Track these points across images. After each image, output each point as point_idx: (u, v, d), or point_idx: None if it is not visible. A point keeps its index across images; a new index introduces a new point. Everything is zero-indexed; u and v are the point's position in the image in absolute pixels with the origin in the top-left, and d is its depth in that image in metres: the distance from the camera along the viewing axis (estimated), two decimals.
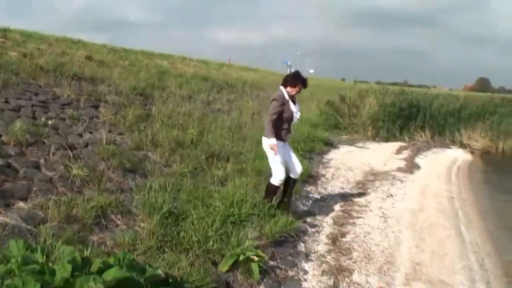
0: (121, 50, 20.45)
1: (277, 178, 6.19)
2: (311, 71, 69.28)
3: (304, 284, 4.86)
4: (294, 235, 5.91)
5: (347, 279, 5.04)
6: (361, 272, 5.25)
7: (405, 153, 14.52)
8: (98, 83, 10.58)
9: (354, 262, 5.52)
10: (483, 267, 5.90)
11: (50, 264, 3.06)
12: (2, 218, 4.23)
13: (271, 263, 5.09)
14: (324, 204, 7.77)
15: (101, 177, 5.77)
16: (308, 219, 6.82)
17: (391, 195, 8.81)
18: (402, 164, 12.35)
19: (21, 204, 4.62)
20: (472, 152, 16.93)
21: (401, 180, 10.28)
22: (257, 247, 4.99)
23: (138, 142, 7.45)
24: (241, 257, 4.63)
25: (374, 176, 10.40)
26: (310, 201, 7.76)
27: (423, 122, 18.79)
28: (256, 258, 4.66)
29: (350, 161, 11.95)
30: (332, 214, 7.26)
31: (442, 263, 5.77)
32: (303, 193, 7.95)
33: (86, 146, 6.72)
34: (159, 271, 3.37)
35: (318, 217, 7.05)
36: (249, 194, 6.20)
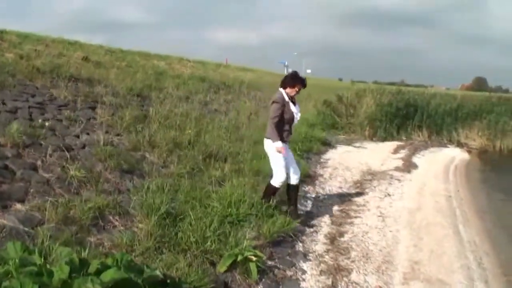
0: (118, 51, 20.44)
1: (278, 179, 6.18)
2: (308, 71, 69.40)
3: (303, 284, 4.85)
4: (292, 235, 5.91)
5: (345, 279, 5.04)
6: (359, 272, 5.25)
7: (403, 153, 14.53)
8: (95, 84, 10.57)
9: (352, 261, 5.52)
10: (481, 266, 5.89)
11: (47, 266, 3.05)
12: (0, 220, 4.22)
13: (269, 263, 5.09)
14: (322, 203, 7.78)
15: (98, 178, 5.76)
16: (306, 219, 6.81)
17: (389, 195, 8.82)
18: (400, 163, 12.35)
19: (18, 206, 4.61)
20: (469, 151, 16.94)
21: (398, 180, 10.28)
22: (255, 247, 4.99)
23: (135, 143, 7.44)
24: (239, 257, 4.62)
25: (371, 176, 10.40)
26: (308, 201, 7.77)
27: (420, 122, 18.80)
28: (254, 258, 4.65)
29: (347, 160, 11.96)
30: (330, 214, 7.26)
31: (440, 262, 5.77)
32: (301, 193, 7.94)
33: (83, 147, 6.71)
34: (157, 272, 3.37)
35: (316, 216, 7.05)
36: (246, 194, 6.19)
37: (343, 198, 8.28)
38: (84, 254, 3.73)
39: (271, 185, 6.27)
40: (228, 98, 16.07)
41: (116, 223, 4.95)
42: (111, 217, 5.01)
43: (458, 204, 8.76)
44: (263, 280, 4.68)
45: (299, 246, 5.79)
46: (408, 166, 12.09)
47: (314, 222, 6.78)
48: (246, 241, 4.97)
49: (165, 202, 5.29)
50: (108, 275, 2.93)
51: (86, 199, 5.06)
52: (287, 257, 5.37)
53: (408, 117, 18.89)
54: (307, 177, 9.11)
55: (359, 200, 8.24)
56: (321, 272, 5.14)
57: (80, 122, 7.56)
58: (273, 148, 6.05)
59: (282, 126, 6.07)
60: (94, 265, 3.11)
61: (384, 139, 17.33)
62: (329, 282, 4.93)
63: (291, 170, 6.31)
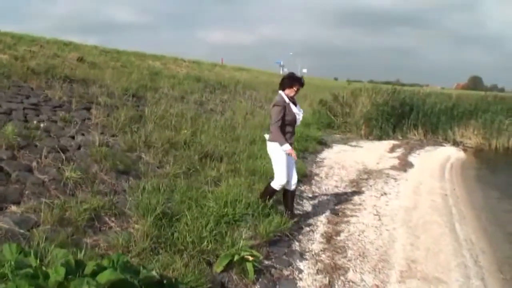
0: (113, 51, 20.41)
1: (278, 182, 6.15)
2: (304, 70, 69.53)
3: (299, 283, 4.85)
4: (288, 234, 5.90)
5: (342, 278, 5.05)
6: (356, 271, 5.25)
7: (399, 152, 14.57)
8: (90, 85, 10.54)
9: (349, 260, 5.52)
10: (478, 264, 5.91)
11: (43, 268, 3.03)
12: None
13: (266, 262, 5.08)
14: (318, 203, 7.78)
15: (94, 179, 5.75)
16: (303, 218, 6.82)
17: (385, 193, 8.83)
18: (396, 162, 12.39)
19: (13, 208, 4.59)
20: (465, 150, 17.00)
21: (394, 178, 10.30)
22: (251, 247, 4.98)
23: (131, 143, 7.42)
24: (236, 257, 4.62)
25: (367, 175, 10.42)
26: (304, 200, 7.76)
27: (416, 121, 18.88)
28: (251, 258, 4.65)
29: (343, 160, 11.98)
30: (326, 213, 7.27)
31: (436, 260, 5.78)
32: (297, 193, 7.92)
33: (79, 148, 6.68)
34: (154, 273, 3.35)
35: (312, 216, 7.05)
36: (243, 194, 6.19)
37: (339, 197, 8.29)
38: (80, 256, 3.71)
39: (271, 187, 6.25)
40: (224, 98, 16.05)
41: (112, 224, 4.94)
42: (107, 218, 5.00)
43: (454, 203, 8.78)
44: (260, 279, 4.68)
45: (296, 246, 5.79)
46: (404, 165, 12.12)
47: (311, 221, 6.78)
48: (242, 241, 4.97)
49: (161, 202, 5.29)
50: (104, 276, 2.92)
51: (82, 200, 5.05)
52: (284, 257, 5.37)
53: (404, 116, 18.97)
54: (304, 177, 9.10)
55: (355, 199, 8.25)
56: (318, 271, 5.14)
57: (75, 123, 7.53)
58: (275, 151, 6.02)
59: (285, 128, 6.02)
60: (90, 267, 3.09)
61: (380, 138, 17.37)
62: (326, 281, 4.93)
63: (289, 177, 6.30)
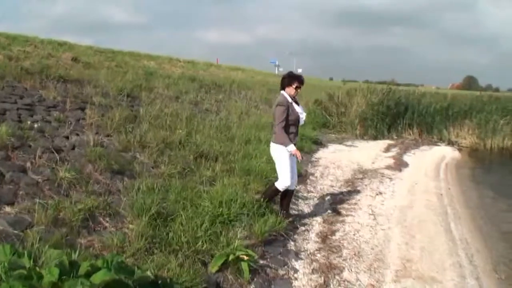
0: (108, 51, 20.33)
1: (283, 183, 6.13)
2: (299, 70, 69.44)
3: (295, 282, 4.85)
4: (284, 234, 5.90)
5: (337, 277, 5.04)
6: (351, 270, 5.25)
7: (394, 151, 14.58)
8: (84, 85, 10.50)
9: (344, 259, 5.52)
10: (473, 263, 5.91)
11: (37, 269, 3.01)
12: None
13: (261, 262, 5.08)
14: (313, 202, 7.78)
15: (88, 180, 5.73)
16: (298, 218, 6.82)
17: (380, 193, 8.84)
18: (391, 162, 12.39)
19: (7, 208, 4.58)
20: (460, 150, 17.02)
21: (390, 178, 10.31)
22: (247, 247, 4.99)
23: (125, 143, 7.39)
24: (231, 257, 4.62)
25: (363, 174, 10.42)
26: (300, 200, 7.76)
27: (411, 120, 18.90)
28: (246, 258, 4.65)
29: (339, 159, 11.98)
30: (321, 213, 7.27)
31: (431, 260, 5.78)
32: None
33: (73, 148, 6.65)
34: (148, 273, 3.35)
35: (307, 215, 7.06)
36: (238, 193, 6.18)
37: (335, 196, 8.29)
38: (74, 256, 3.68)
39: (275, 188, 6.22)
40: (219, 97, 16.02)
41: (107, 225, 4.92)
42: (101, 219, 4.98)
43: (449, 202, 8.80)
44: (255, 279, 4.67)
45: (291, 245, 5.79)
46: (399, 164, 12.13)
47: (306, 221, 6.79)
48: (237, 240, 4.97)
49: (156, 202, 5.28)
50: (98, 277, 2.91)
51: (76, 201, 5.03)
52: (279, 256, 5.37)
53: (399, 116, 18.99)
54: (299, 176, 9.02)
55: (350, 198, 8.25)
56: (313, 271, 5.14)
57: (69, 123, 7.50)
58: (279, 153, 6.00)
59: (288, 129, 6.00)
60: (84, 267, 3.07)
61: (375, 138, 17.40)
62: (321, 280, 4.92)
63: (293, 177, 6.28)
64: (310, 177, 9.60)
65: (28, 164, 5.61)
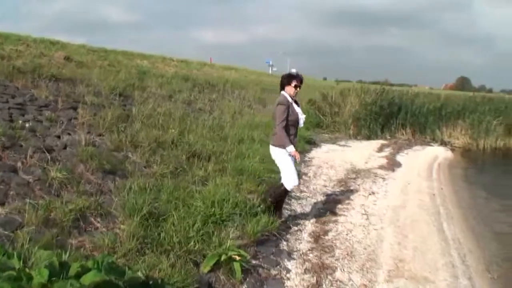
0: (101, 50, 20.25)
1: (291, 183, 6.11)
2: (293, 70, 69.48)
3: (287, 282, 4.84)
4: (276, 233, 5.89)
5: (329, 277, 5.04)
6: (343, 270, 5.25)
7: (387, 151, 14.60)
8: (77, 84, 10.44)
9: (337, 259, 5.52)
10: (465, 263, 5.93)
11: (27, 270, 2.98)
12: None
13: (254, 262, 5.06)
14: (306, 202, 7.76)
15: (80, 179, 5.68)
16: (291, 218, 6.81)
17: (373, 193, 8.85)
18: (384, 162, 12.41)
19: None
20: (452, 150, 17.09)
21: (383, 178, 10.32)
22: (239, 247, 4.98)
23: (117, 143, 7.34)
24: (223, 257, 4.60)
25: (356, 174, 10.43)
26: (292, 200, 7.74)
27: (404, 120, 18.96)
28: (238, 258, 4.63)
29: (332, 159, 11.97)
30: (314, 212, 7.27)
31: (424, 260, 5.79)
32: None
33: (65, 148, 6.61)
34: (139, 274, 3.32)
35: (300, 215, 7.04)
36: (230, 193, 6.16)
37: (328, 196, 8.29)
38: (65, 257, 3.65)
39: (284, 188, 6.19)
40: (212, 97, 15.98)
41: (98, 225, 4.89)
42: (92, 219, 4.95)
43: (442, 202, 8.82)
44: (248, 279, 4.66)
45: (284, 245, 5.78)
46: (392, 164, 12.15)
47: (299, 220, 6.77)
48: (229, 240, 4.96)
49: (148, 202, 5.25)
50: (88, 278, 2.88)
51: (67, 201, 4.99)
52: (272, 256, 5.36)
53: (392, 116, 19.03)
54: None
55: (343, 198, 8.24)
56: (306, 271, 5.13)
57: (61, 122, 7.45)
58: (281, 155, 5.96)
59: (288, 130, 5.94)
60: (74, 268, 3.04)
61: (368, 138, 17.44)
62: (314, 280, 4.92)
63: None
64: (303, 176, 9.58)
65: (19, 164, 5.57)
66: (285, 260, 5.33)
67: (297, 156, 5.91)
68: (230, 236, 5.13)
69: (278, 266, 5.13)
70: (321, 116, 19.00)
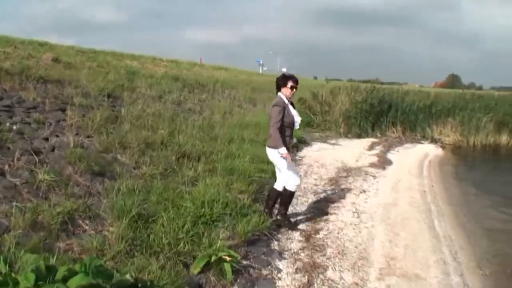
0: (90, 51, 20.16)
1: (293, 183, 6.12)
2: (284, 69, 69.68)
3: (278, 282, 4.81)
4: (267, 233, 5.86)
5: (321, 276, 5.01)
6: (335, 269, 5.23)
7: (377, 149, 14.61)
8: (65, 85, 10.37)
9: (328, 258, 5.50)
10: (457, 260, 5.92)
11: (13, 274, 2.95)
12: None
13: (245, 262, 5.03)
14: (297, 201, 7.72)
15: (68, 182, 5.63)
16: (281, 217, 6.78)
17: (364, 191, 8.84)
18: (375, 160, 12.41)
19: None
20: (443, 147, 17.12)
21: (373, 176, 10.32)
22: (229, 247, 4.95)
23: (106, 144, 7.29)
24: (213, 258, 4.57)
25: (346, 173, 10.42)
26: None
27: (395, 118, 18.97)
28: (228, 258, 4.60)
29: (322, 158, 11.96)
30: (305, 211, 7.25)
31: (415, 257, 5.78)
32: (271, 189, 7.91)
33: (53, 150, 6.54)
34: (127, 276, 3.29)
35: (291, 214, 7.00)
36: (220, 193, 6.14)
37: (318, 195, 8.27)
38: (52, 261, 3.62)
39: (289, 192, 6.20)
40: (202, 97, 15.95)
41: (86, 227, 4.85)
42: (81, 221, 4.90)
43: (433, 199, 8.82)
44: (238, 280, 4.63)
45: (275, 245, 5.75)
46: (383, 162, 12.15)
47: (290, 220, 6.74)
48: (220, 241, 4.93)
49: (137, 204, 5.21)
50: (75, 282, 2.85)
51: (55, 204, 4.95)
52: (263, 256, 5.33)
53: (383, 114, 19.03)
54: None
55: (334, 197, 8.24)
56: (297, 270, 5.10)
57: (49, 124, 7.38)
58: (278, 156, 5.93)
59: (284, 131, 5.92)
60: (61, 272, 3.02)
61: (359, 136, 17.46)
62: (305, 280, 4.89)
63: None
64: None
65: (6, 167, 5.51)
66: (276, 259, 5.31)
67: (289, 158, 5.87)
68: (220, 237, 5.10)
69: (269, 266, 5.10)
70: (311, 115, 19.01)
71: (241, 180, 7.29)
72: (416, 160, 13.27)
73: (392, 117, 18.94)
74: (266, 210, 6.32)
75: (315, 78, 75.09)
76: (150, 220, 5.15)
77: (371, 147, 14.93)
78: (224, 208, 5.83)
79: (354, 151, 13.77)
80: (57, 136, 7.11)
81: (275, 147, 5.85)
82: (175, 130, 9.23)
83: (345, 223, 6.85)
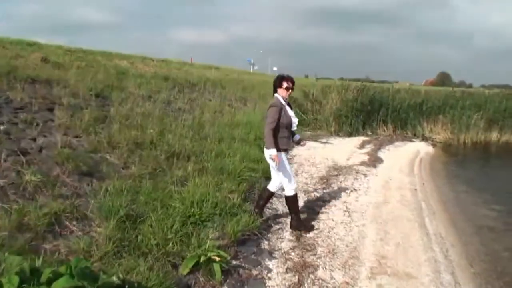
0: (79, 51, 19.98)
1: (291, 187, 6.09)
2: (275, 68, 69.84)
3: (268, 282, 4.77)
4: (257, 233, 5.84)
5: (311, 276, 4.98)
6: (325, 268, 5.20)
7: (368, 148, 14.64)
8: (53, 85, 10.26)
9: (319, 257, 5.47)
10: (448, 258, 5.92)
11: None
12: None
13: (234, 262, 5.00)
14: None
15: (55, 182, 5.55)
16: (272, 216, 6.75)
17: (355, 189, 8.83)
18: (365, 158, 12.42)
19: None
20: (434, 145, 17.19)
21: (364, 174, 10.32)
22: (219, 247, 4.91)
23: (95, 144, 7.21)
24: (202, 258, 4.53)
25: (337, 171, 10.41)
26: (274, 199, 7.65)
27: (385, 117, 19.04)
28: (217, 259, 4.56)
29: (313, 157, 11.95)
30: None
31: (406, 256, 5.77)
32: (263, 189, 7.88)
33: (40, 150, 6.46)
34: (114, 278, 3.24)
35: (282, 214, 6.98)
36: (210, 193, 6.09)
37: (309, 194, 8.25)
38: (38, 263, 3.56)
39: (289, 197, 6.17)
40: (193, 96, 15.87)
41: (74, 228, 4.78)
42: (68, 223, 4.83)
43: (424, 197, 8.83)
44: (228, 280, 4.60)
45: (265, 244, 5.72)
46: (374, 160, 12.17)
47: (280, 219, 6.72)
48: (209, 241, 4.89)
49: (125, 204, 5.16)
50: (59, 284, 2.81)
51: (42, 205, 4.88)
52: (253, 256, 5.30)
53: (373, 112, 19.08)
54: None
55: (325, 195, 8.22)
56: (287, 270, 5.07)
57: (37, 124, 7.29)
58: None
59: (281, 133, 5.88)
60: (46, 274, 2.97)
61: (350, 135, 17.50)
62: (295, 279, 4.86)
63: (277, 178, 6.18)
64: None
65: None
66: (267, 259, 5.27)
67: (277, 161, 5.80)
68: (210, 237, 5.06)
69: (259, 266, 5.07)
70: (302, 114, 19.00)
71: (231, 179, 7.25)
72: (407, 158, 13.30)
73: (382, 115, 19.00)
74: (257, 210, 6.29)
75: (306, 76, 75.19)
76: (138, 220, 5.10)
77: (362, 146, 14.96)
78: (213, 208, 5.79)
79: (345, 149, 13.79)
80: (45, 136, 7.02)
81: (279, 149, 5.84)
82: (165, 130, 9.16)
83: (336, 222, 6.83)
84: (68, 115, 8.08)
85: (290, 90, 6.02)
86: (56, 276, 2.94)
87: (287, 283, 4.78)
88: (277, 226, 6.41)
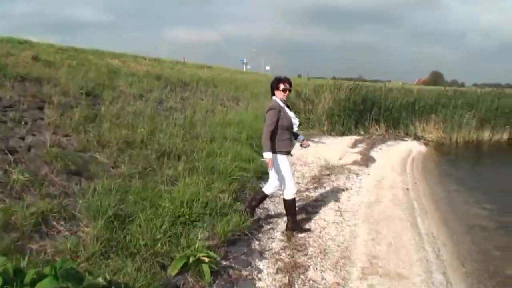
0: (71, 49, 19.82)
1: (290, 192, 6.05)
2: (267, 68, 69.81)
3: (259, 283, 4.73)
4: (248, 233, 5.79)
5: (302, 276, 4.94)
6: (316, 268, 5.16)
7: (361, 147, 14.64)
8: (44, 84, 10.17)
9: (310, 258, 5.43)
10: (440, 258, 5.91)
11: None
12: None
13: (224, 263, 4.96)
14: (279, 200, 7.63)
15: (43, 181, 5.47)
16: (263, 216, 6.70)
17: (347, 189, 8.82)
18: (358, 157, 12.42)
19: None
20: (426, 144, 17.23)
21: (356, 174, 10.30)
22: (208, 248, 4.86)
23: (84, 143, 7.14)
24: (192, 259, 4.48)
25: (329, 171, 10.39)
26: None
27: (378, 116, 19.08)
28: (207, 259, 4.51)
29: (305, 156, 11.90)
30: None
31: (398, 256, 5.74)
32: (258, 190, 7.83)
33: (29, 149, 6.37)
34: (99, 279, 3.17)
35: (273, 214, 6.95)
36: (200, 193, 6.04)
37: (301, 194, 8.20)
38: (23, 263, 3.49)
39: (289, 201, 6.12)
40: (185, 95, 15.79)
41: (61, 228, 4.71)
42: (55, 222, 4.76)
43: (416, 196, 8.83)
44: (217, 281, 4.55)
45: (256, 244, 5.68)
46: (366, 160, 12.16)
47: (271, 219, 6.68)
48: (198, 241, 4.84)
49: (113, 204, 5.09)
50: (43, 286, 2.74)
51: (29, 204, 4.81)
52: (243, 256, 5.25)
53: (366, 112, 19.10)
54: (265, 174, 8.95)
55: (316, 195, 8.19)
56: (278, 270, 5.03)
57: (25, 123, 7.21)
58: (277, 162, 5.83)
59: (282, 135, 5.83)
60: (30, 275, 2.91)
61: (342, 134, 17.51)
62: (286, 280, 4.82)
63: (274, 180, 6.10)
64: None
65: None
66: (257, 260, 5.23)
67: (270, 164, 5.75)
68: (199, 237, 5.00)
69: (249, 267, 5.03)
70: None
71: (222, 179, 7.21)
72: (399, 158, 13.31)
73: (375, 114, 19.02)
74: (248, 210, 6.24)
75: (299, 76, 75.21)
76: (127, 220, 5.04)
77: (354, 145, 14.96)
78: (203, 208, 5.74)
79: (337, 149, 13.78)
80: (33, 135, 6.94)
81: (280, 152, 5.82)
82: (156, 129, 9.10)
83: (328, 221, 6.80)
84: (58, 113, 7.99)
85: (287, 92, 6.00)
86: (40, 277, 2.88)
87: (277, 284, 4.74)
88: (268, 226, 6.37)
